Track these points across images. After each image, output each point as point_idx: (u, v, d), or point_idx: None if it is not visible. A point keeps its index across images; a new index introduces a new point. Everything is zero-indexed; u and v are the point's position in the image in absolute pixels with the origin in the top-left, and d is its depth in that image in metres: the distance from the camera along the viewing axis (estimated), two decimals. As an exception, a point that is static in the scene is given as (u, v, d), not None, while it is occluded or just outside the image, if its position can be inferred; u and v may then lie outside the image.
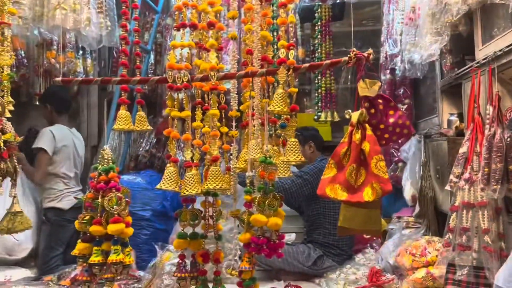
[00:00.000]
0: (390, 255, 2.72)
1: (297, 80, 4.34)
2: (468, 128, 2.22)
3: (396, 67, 3.33)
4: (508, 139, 1.98)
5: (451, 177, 2.18)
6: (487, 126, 2.07)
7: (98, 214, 1.40)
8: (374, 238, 3.08)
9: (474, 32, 2.43)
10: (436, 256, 2.43)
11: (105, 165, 1.44)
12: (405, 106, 3.60)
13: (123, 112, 1.50)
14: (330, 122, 3.94)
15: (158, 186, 1.43)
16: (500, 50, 2.03)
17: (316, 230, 3.15)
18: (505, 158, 1.96)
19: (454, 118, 2.76)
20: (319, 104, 3.89)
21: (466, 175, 2.12)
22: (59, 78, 1.53)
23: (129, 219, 1.42)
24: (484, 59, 2.18)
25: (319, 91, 3.88)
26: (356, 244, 3.24)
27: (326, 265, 3.02)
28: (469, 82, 2.32)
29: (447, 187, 2.23)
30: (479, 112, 2.18)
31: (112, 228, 1.36)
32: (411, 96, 3.67)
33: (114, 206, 1.39)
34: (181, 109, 1.56)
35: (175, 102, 1.49)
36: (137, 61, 1.61)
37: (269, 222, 1.40)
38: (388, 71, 3.62)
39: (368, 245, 3.23)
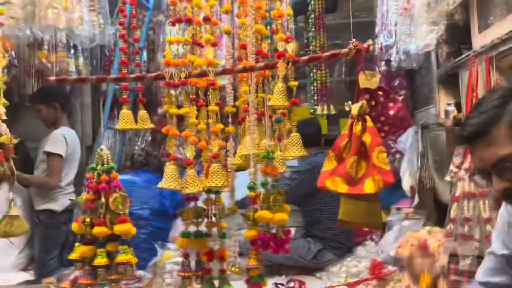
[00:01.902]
0: (391, 247, 2.72)
1: (292, 74, 4.33)
2: (467, 117, 2.22)
3: (392, 58, 3.30)
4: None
5: (451, 167, 2.18)
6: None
7: (101, 215, 1.37)
8: (374, 231, 3.08)
9: (470, 21, 2.42)
10: (438, 246, 2.43)
11: (104, 165, 1.41)
12: (401, 97, 3.59)
13: (125, 111, 1.47)
14: (327, 115, 3.92)
15: (159, 185, 1.41)
16: (498, 38, 2.02)
17: (315, 225, 3.14)
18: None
19: (451, 108, 2.75)
20: (315, 98, 3.87)
21: (466, 165, 2.12)
22: (53, 78, 1.49)
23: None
24: (481, 48, 2.17)
25: (314, 84, 3.86)
26: (355, 237, 3.23)
27: (327, 258, 3.01)
28: (466, 71, 2.32)
29: (447, 178, 2.23)
30: (477, 101, 2.18)
31: (119, 228, 1.34)
32: (407, 87, 3.66)
33: (120, 206, 1.37)
34: (178, 106, 1.54)
35: (173, 99, 1.46)
36: (137, 59, 1.58)
37: (275, 217, 1.38)
38: (383, 63, 3.60)
39: (368, 237, 3.23)
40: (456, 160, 2.16)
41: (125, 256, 1.34)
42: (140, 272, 2.73)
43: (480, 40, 2.31)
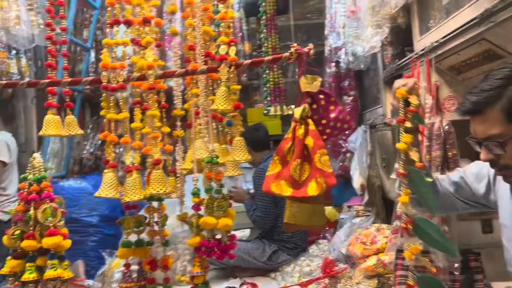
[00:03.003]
0: (342, 245, 2.77)
1: (245, 75, 4.32)
2: (410, 117, 2.29)
3: (341, 60, 3.38)
4: (446, 127, 2.06)
5: (396, 165, 2.23)
6: (427, 115, 2.15)
7: (30, 228, 1.30)
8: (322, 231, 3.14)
9: (412, 24, 2.50)
10: (386, 243, 2.50)
11: (36, 174, 1.34)
12: (351, 98, 3.68)
13: (50, 116, 1.39)
14: (280, 116, 3.94)
15: (97, 194, 1.35)
16: (436, 41, 2.09)
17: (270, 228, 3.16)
18: (444, 145, 2.04)
19: (397, 108, 2.83)
20: (268, 99, 3.87)
21: (410, 164, 2.18)
22: (-20, 83, 1.40)
23: (65, 230, 1.33)
24: (422, 50, 2.24)
25: (268, 85, 3.86)
26: (309, 236, 3.28)
27: (281, 259, 3.03)
28: (409, 72, 2.39)
29: (393, 176, 2.28)
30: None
31: (48, 241, 1.27)
32: (356, 87, 3.75)
33: (49, 218, 1.30)
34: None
35: (111, 104, 1.41)
36: (65, 62, 1.50)
37: (219, 223, 1.36)
38: (333, 64, 3.67)
39: (321, 235, 3.28)
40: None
41: (53, 271, 1.26)
42: (89, 281, 2.64)
43: (421, 42, 2.39)
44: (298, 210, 1.40)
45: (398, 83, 1.32)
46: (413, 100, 1.26)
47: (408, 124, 1.26)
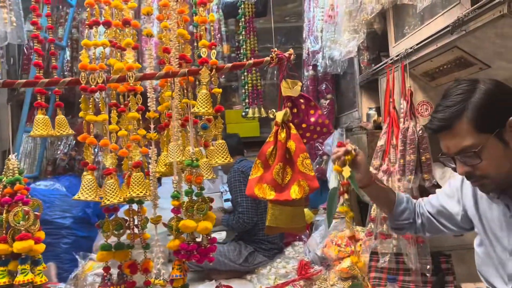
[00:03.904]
0: (318, 247, 2.81)
1: (223, 76, 4.32)
2: (385, 121, 2.34)
3: (318, 63, 3.42)
4: (420, 132, 2.12)
5: (370, 168, 2.28)
6: (401, 119, 2.20)
7: (3, 231, 1.27)
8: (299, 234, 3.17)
9: (387, 30, 2.56)
10: (360, 245, 2.54)
11: (10, 176, 1.30)
12: (328, 101, 3.73)
13: (40, 116, 1.36)
14: (258, 118, 3.96)
15: (76, 197, 1.33)
16: (410, 48, 2.15)
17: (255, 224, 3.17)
18: (418, 149, 2.09)
19: (372, 112, 2.90)
20: (246, 101, 3.88)
21: (384, 167, 2.24)
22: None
23: (41, 234, 1.30)
24: (397, 56, 2.30)
25: (246, 87, 3.88)
26: (285, 237, 3.31)
27: (258, 261, 3.05)
28: (385, 77, 2.44)
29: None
30: (394, 106, 2.30)
31: (18, 245, 1.23)
32: (333, 91, 3.80)
33: (21, 222, 1.26)
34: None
35: (90, 105, 1.39)
36: (53, 60, 1.48)
37: (199, 226, 1.36)
38: (310, 67, 3.72)
39: (297, 237, 3.31)
40: (375, 162, 2.26)
41: (23, 277, 1.23)
42: (61, 285, 2.58)
43: (396, 48, 2.45)
44: (280, 213, 1.42)
45: (333, 154, 1.41)
46: (345, 173, 1.34)
47: (346, 196, 1.33)
